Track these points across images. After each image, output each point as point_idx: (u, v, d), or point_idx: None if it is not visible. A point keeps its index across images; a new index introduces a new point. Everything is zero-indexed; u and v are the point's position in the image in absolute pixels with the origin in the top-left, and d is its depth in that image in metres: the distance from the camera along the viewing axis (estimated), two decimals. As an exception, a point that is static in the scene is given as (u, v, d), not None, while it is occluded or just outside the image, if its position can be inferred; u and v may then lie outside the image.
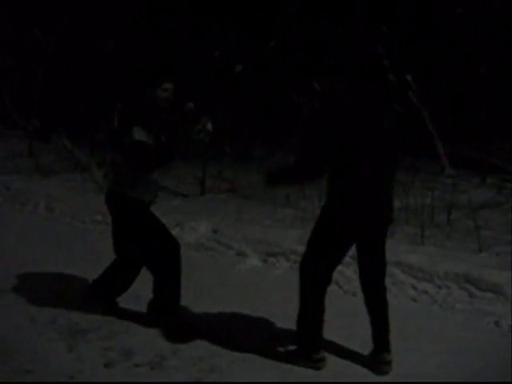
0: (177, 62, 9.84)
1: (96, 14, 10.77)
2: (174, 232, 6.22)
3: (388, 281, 4.83)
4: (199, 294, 4.74)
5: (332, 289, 4.85)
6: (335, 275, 5.04)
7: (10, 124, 12.79)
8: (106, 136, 9.53)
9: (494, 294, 4.60)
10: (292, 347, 3.76)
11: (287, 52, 9.57)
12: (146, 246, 4.10)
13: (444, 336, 4.10)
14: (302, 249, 5.42)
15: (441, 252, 5.38)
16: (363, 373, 3.63)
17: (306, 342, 3.63)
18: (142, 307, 4.26)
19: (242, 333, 4.07)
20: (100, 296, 4.36)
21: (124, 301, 4.37)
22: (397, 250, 5.28)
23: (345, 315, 4.36)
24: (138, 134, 3.87)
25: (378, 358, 3.64)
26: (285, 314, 4.19)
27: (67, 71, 11.65)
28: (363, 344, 3.82)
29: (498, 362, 3.70)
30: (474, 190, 7.59)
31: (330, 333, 3.86)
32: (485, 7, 8.10)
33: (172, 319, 4.14)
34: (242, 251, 5.75)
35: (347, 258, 5.14)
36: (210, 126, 4.28)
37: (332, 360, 3.70)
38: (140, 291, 4.28)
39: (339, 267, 5.12)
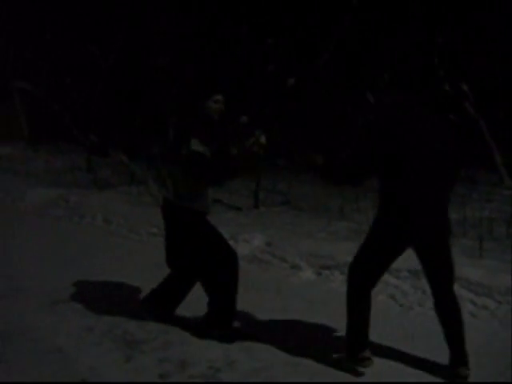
0: (231, 76, 9.93)
1: (151, 30, 11.00)
2: (228, 244, 6.30)
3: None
4: (254, 307, 4.74)
5: (388, 303, 4.85)
6: (391, 289, 5.03)
7: (70, 139, 13.17)
8: (161, 149, 9.67)
9: (556, 309, 4.43)
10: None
11: (340, 65, 9.54)
12: (203, 256, 4.11)
13: (504, 353, 3.96)
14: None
15: (500, 266, 5.22)
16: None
17: (353, 343, 3.68)
18: (197, 316, 4.30)
19: (297, 345, 4.04)
20: (156, 308, 4.41)
21: (181, 310, 4.42)
22: (455, 263, 5.16)
23: (401, 329, 4.29)
24: (196, 145, 3.92)
25: (454, 372, 3.59)
26: (339, 326, 4.16)
27: (124, 87, 11.93)
28: (420, 357, 3.75)
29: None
30: (535, 201, 7.36)
31: (386, 347, 3.83)
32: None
33: (227, 331, 4.14)
34: (296, 264, 5.72)
35: (404, 273, 5.13)
36: (263, 139, 4.30)
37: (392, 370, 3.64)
38: (197, 300, 4.30)
39: (395, 281, 5.11)
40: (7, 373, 3.61)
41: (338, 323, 4.18)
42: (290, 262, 5.80)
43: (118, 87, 12.05)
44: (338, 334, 4.16)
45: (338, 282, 5.34)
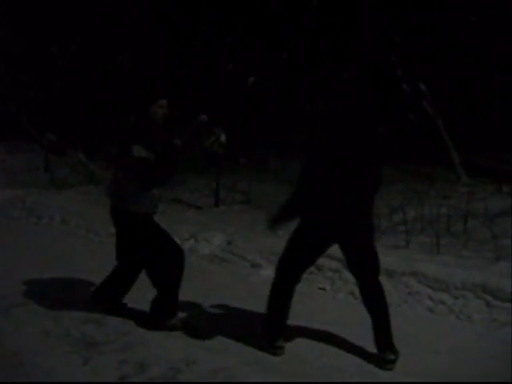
0: (191, 75, 9.89)
1: (110, 30, 10.88)
2: (188, 243, 6.28)
3: (403, 291, 4.85)
4: (214, 306, 4.73)
5: (347, 299, 4.89)
6: (351, 286, 5.07)
7: (27, 138, 12.94)
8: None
9: (512, 303, 4.53)
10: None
11: (299, 64, 9.59)
12: (150, 255, 4.22)
13: (461, 346, 4.04)
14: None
15: (457, 261, 5.32)
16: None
17: (271, 331, 3.89)
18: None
19: (256, 344, 4.04)
20: (103, 298, 4.52)
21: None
22: (412, 259, 5.24)
23: (360, 325, 4.32)
24: (138, 152, 4.00)
25: (382, 357, 3.75)
26: (298, 323, 4.18)
27: (82, 86, 11.77)
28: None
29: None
30: (490, 198, 7.52)
31: (343, 341, 3.87)
32: (497, 15, 8.06)
33: (173, 323, 4.25)
34: (257, 262, 5.73)
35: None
36: (223, 138, 4.31)
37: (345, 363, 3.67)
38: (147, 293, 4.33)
39: (354, 278, 5.15)
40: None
41: (298, 320, 4.20)
42: (251, 261, 5.81)
43: (76, 86, 11.87)
44: (298, 331, 4.17)
45: (299, 280, 5.36)
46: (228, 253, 6.02)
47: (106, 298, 4.54)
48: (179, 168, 4.20)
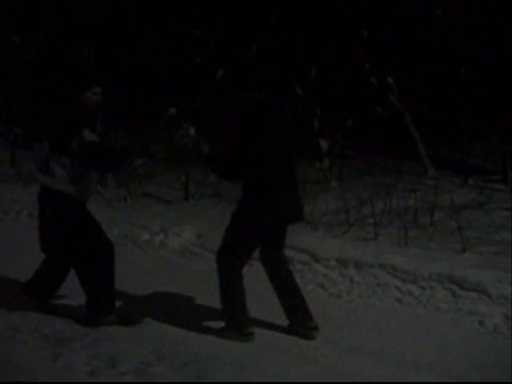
0: (159, 68, 9.83)
1: (77, 20, 10.74)
2: (158, 238, 6.27)
3: (372, 282, 4.92)
4: (183, 300, 4.73)
5: (317, 291, 4.94)
6: (320, 278, 5.12)
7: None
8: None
9: (477, 293, 4.62)
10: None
11: (269, 56, 9.60)
12: (75, 244, 4.18)
13: (429, 336, 4.11)
14: (286, 252, 5.44)
15: (424, 253, 5.41)
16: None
17: (236, 320, 3.98)
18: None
19: (228, 339, 4.06)
20: (36, 296, 4.47)
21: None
22: (381, 251, 5.31)
23: (330, 317, 4.37)
24: (89, 136, 4.04)
25: (308, 325, 4.00)
26: (269, 317, 4.22)
27: (48, 78, 11.60)
28: (350, 345, 3.84)
29: (482, 361, 3.73)
30: (457, 190, 7.66)
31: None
32: (464, 9, 8.18)
33: (110, 319, 4.23)
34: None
35: (332, 262, 5.23)
36: (192, 131, 4.32)
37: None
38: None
39: (324, 270, 5.21)
40: None
41: (268, 314, 4.23)
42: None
43: (42, 78, 11.70)
44: (268, 324, 4.20)
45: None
46: (198, 247, 6.02)
47: (38, 292, 4.49)
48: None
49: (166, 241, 6.18)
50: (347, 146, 9.44)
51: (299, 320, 4.05)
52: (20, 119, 11.58)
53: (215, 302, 4.57)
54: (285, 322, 4.15)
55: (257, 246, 4.06)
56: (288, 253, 5.44)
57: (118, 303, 4.55)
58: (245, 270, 4.07)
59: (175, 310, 4.54)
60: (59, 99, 4.38)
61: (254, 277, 4.55)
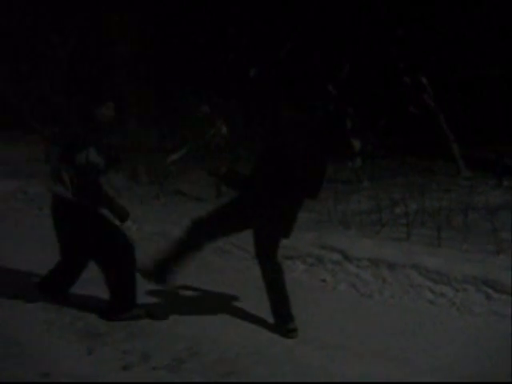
0: (192, 66, 9.87)
1: (111, 20, 10.85)
2: (191, 235, 6.28)
3: (405, 283, 4.88)
4: (215, 297, 4.76)
5: (349, 291, 4.92)
6: (352, 278, 5.10)
7: (27, 129, 12.92)
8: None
9: (512, 296, 4.56)
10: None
11: (302, 55, 9.58)
12: (97, 247, 4.30)
13: (461, 339, 4.07)
14: (317, 251, 5.48)
15: (458, 254, 5.34)
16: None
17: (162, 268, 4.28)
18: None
19: (260, 335, 4.07)
20: (51, 292, 4.58)
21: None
22: (413, 252, 5.27)
23: (361, 318, 4.36)
24: (93, 156, 4.13)
25: (285, 327, 4.07)
26: (301, 315, 4.21)
27: (82, 76, 11.75)
28: (380, 348, 3.82)
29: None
30: (491, 191, 7.54)
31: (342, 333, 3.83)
32: (497, 8, 8.06)
33: (134, 314, 4.32)
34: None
35: (364, 261, 5.20)
36: (224, 130, 4.37)
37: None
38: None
39: (356, 270, 5.19)
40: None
41: (298, 312, 4.23)
42: (252, 252, 5.79)
43: (77, 77, 11.85)
44: (300, 323, 4.21)
45: (300, 272, 5.39)
46: (229, 244, 6.03)
47: (53, 289, 4.60)
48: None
49: (198, 238, 6.22)
50: (379, 145, 9.37)
51: (279, 319, 4.14)
52: (55, 117, 11.74)
53: (248, 300, 4.61)
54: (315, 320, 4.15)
55: (227, 228, 4.29)
56: (319, 252, 5.47)
57: (149, 299, 4.61)
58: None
59: (207, 306, 4.57)
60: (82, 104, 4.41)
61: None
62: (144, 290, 4.66)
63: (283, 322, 4.11)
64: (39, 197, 8.23)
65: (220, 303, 4.67)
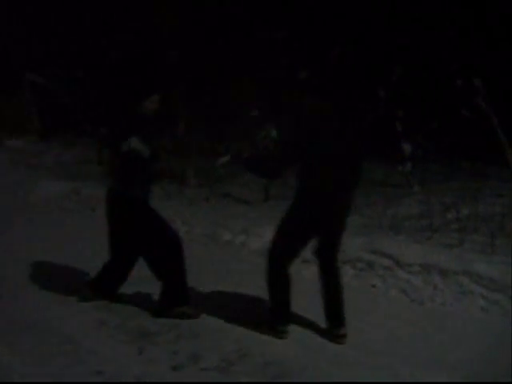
0: (242, 69, 9.92)
1: (162, 24, 10.99)
2: (240, 238, 6.33)
3: (456, 290, 4.78)
4: (264, 301, 4.75)
5: (399, 297, 4.85)
6: (403, 284, 5.03)
7: (81, 132, 13.23)
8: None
9: None
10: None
11: (352, 58, 9.52)
12: (145, 241, 4.39)
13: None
14: (368, 256, 5.43)
15: (512, 261, 5.21)
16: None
17: (274, 316, 4.14)
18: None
19: (309, 339, 4.06)
20: (102, 291, 4.69)
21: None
22: (465, 258, 5.16)
23: (411, 324, 4.30)
24: (136, 144, 4.22)
25: (335, 332, 4.06)
26: (351, 321, 4.18)
27: (132, 79, 11.93)
28: (430, 356, 3.76)
29: None
30: (547, 197, 7.31)
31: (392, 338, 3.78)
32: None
33: (182, 311, 4.38)
34: (307, 258, 5.72)
35: (415, 267, 5.13)
36: (274, 133, 4.38)
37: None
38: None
39: (406, 276, 5.12)
40: (22, 363, 3.65)
41: (348, 317, 4.20)
42: (301, 257, 5.76)
43: (129, 80, 12.06)
44: (350, 327, 4.18)
45: (349, 277, 5.34)
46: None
47: (104, 288, 4.70)
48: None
49: (247, 241, 6.24)
50: (431, 149, 9.21)
51: (331, 323, 4.12)
52: (107, 120, 11.96)
53: (298, 305, 4.59)
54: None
55: (304, 243, 4.16)
56: (369, 257, 5.42)
57: (199, 301, 4.64)
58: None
59: (256, 310, 4.58)
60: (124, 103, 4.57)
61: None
62: (195, 292, 4.71)
63: (334, 327, 4.09)
64: (92, 198, 8.39)
65: (268, 307, 4.67)
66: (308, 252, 5.77)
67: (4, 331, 4.14)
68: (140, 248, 4.46)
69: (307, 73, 8.87)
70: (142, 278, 4.65)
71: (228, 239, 6.44)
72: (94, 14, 12.18)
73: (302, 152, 3.96)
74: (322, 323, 4.20)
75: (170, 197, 7.82)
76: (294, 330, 4.16)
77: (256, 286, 5.05)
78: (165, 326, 4.28)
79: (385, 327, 4.26)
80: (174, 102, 10.14)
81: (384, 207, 6.58)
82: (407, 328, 4.21)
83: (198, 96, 10.26)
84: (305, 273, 5.53)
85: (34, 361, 3.71)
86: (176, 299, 4.42)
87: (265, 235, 6.30)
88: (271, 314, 4.18)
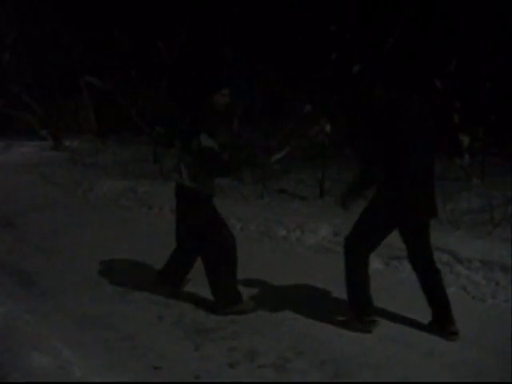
0: (294, 64, 9.88)
1: (215, 22, 11.05)
2: (295, 234, 6.30)
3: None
4: (321, 297, 4.72)
5: (459, 294, 4.72)
6: (463, 280, 4.90)
7: (136, 131, 13.45)
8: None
9: None
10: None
11: (405, 50, 9.33)
12: (203, 234, 4.44)
13: None
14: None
15: None
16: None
17: (359, 308, 4.07)
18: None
19: (365, 338, 4.00)
20: (167, 281, 4.78)
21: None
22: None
23: (473, 322, 4.17)
24: (206, 141, 4.24)
25: (445, 329, 3.96)
26: (412, 320, 4.09)
27: (188, 80, 12.05)
28: (493, 351, 3.64)
29: None
30: None
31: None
32: None
33: (240, 308, 4.40)
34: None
35: (476, 263, 4.98)
36: (328, 128, 4.32)
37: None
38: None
39: (467, 272, 4.98)
40: (84, 358, 3.72)
41: (405, 312, 4.12)
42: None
43: (182, 80, 12.19)
44: (406, 323, 4.10)
45: (407, 273, 5.22)
46: (335, 244, 5.97)
47: (169, 280, 4.78)
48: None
49: (303, 237, 6.20)
50: (490, 142, 8.95)
51: (440, 322, 4.01)
52: (162, 119, 12.12)
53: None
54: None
55: (383, 238, 4.09)
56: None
57: (256, 297, 4.64)
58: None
59: (313, 306, 4.54)
60: (193, 100, 4.55)
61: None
62: (251, 288, 4.71)
63: (443, 325, 3.99)
64: (148, 196, 8.51)
65: (324, 303, 4.63)
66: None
67: (64, 327, 4.24)
68: (199, 242, 4.52)
69: (360, 67, 8.75)
70: (202, 274, 4.67)
71: (283, 235, 6.41)
72: (148, 15, 12.34)
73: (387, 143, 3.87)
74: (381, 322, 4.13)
75: (225, 193, 7.84)
76: (342, 330, 4.10)
77: (312, 282, 5.02)
78: (221, 322, 4.29)
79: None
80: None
81: (443, 201, 6.41)
82: (469, 326, 4.07)
83: (252, 93, 10.27)
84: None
85: (93, 356, 3.77)
86: (229, 298, 4.44)
87: (320, 231, 6.26)
88: (354, 308, 4.11)
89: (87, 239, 6.53)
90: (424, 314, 4.14)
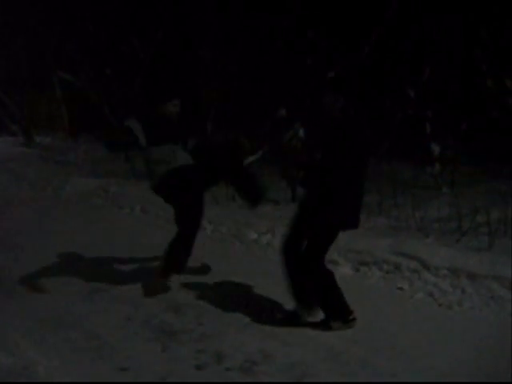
0: (269, 69, 9.90)
1: (192, 23, 11.03)
2: (266, 238, 6.32)
3: (485, 294, 4.71)
4: (289, 300, 4.73)
5: (426, 300, 4.78)
6: (430, 287, 4.96)
7: (109, 130, 13.32)
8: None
9: None
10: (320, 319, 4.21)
11: (381, 58, 9.43)
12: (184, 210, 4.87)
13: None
14: (395, 258, 5.38)
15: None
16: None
17: (336, 310, 4.16)
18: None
19: (333, 339, 4.02)
20: (172, 267, 4.91)
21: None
22: (495, 262, 5.07)
23: (438, 328, 4.23)
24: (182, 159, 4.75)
25: (329, 325, 4.14)
26: (376, 323, 4.13)
27: (163, 79, 12.00)
28: (457, 359, 3.70)
29: None
30: None
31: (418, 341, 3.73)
32: None
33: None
34: (334, 259, 5.67)
35: (443, 271, 5.06)
36: (302, 133, 4.36)
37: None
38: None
39: (434, 279, 5.05)
40: (47, 359, 3.68)
41: (373, 319, 4.15)
42: (328, 258, 5.73)
43: (158, 79, 12.13)
44: (375, 328, 4.13)
45: (376, 279, 5.29)
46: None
47: (174, 266, 4.91)
48: None
49: (274, 241, 6.21)
50: (460, 150, 9.08)
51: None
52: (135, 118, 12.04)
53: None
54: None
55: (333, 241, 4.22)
56: (397, 259, 5.36)
57: (225, 300, 4.64)
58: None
59: (281, 310, 4.55)
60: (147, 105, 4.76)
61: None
62: (220, 291, 4.70)
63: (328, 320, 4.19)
64: (119, 195, 8.46)
65: (293, 307, 4.64)
66: (334, 252, 5.78)
67: (30, 327, 4.19)
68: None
69: (334, 72, 8.82)
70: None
71: (254, 238, 6.42)
72: (124, 13, 12.26)
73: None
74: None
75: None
76: (319, 333, 4.12)
77: (282, 285, 5.03)
78: (189, 323, 4.28)
79: (411, 331, 4.20)
80: (202, 102, 10.18)
81: (412, 209, 6.49)
82: (434, 332, 4.13)
83: (226, 95, 10.27)
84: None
85: (59, 357, 3.74)
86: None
87: (291, 235, 6.27)
88: (329, 311, 4.17)
89: (56, 237, 6.46)
90: (393, 319, 4.18)
